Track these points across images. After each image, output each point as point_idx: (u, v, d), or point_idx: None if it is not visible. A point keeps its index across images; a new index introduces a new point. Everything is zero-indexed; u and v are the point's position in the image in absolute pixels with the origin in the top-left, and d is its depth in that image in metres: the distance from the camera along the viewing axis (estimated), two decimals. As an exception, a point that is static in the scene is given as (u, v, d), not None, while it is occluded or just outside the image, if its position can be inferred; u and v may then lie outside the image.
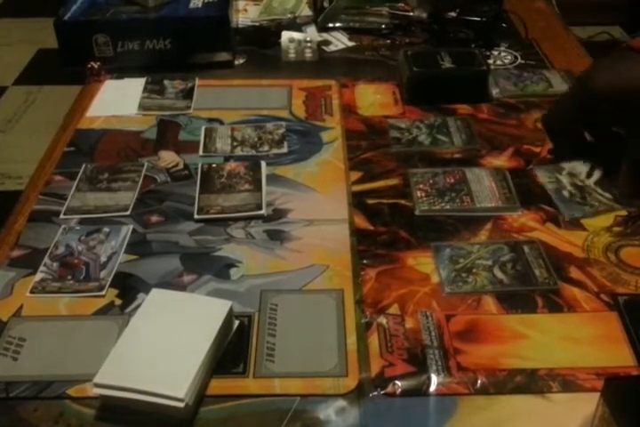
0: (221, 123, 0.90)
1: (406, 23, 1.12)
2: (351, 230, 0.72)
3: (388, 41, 1.10)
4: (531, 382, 0.56)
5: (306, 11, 1.17)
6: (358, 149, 0.84)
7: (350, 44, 1.10)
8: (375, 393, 0.56)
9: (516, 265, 0.67)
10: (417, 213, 0.74)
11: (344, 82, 0.98)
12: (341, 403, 0.55)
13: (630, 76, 0.70)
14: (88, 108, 0.93)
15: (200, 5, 1.02)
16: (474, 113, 0.91)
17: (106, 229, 0.72)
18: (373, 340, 0.60)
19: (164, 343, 0.56)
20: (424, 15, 1.12)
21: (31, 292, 0.65)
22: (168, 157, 0.84)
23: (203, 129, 0.88)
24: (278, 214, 0.74)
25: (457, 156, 0.83)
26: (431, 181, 0.78)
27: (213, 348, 0.56)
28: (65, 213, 0.74)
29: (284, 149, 0.85)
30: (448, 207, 0.74)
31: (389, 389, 0.56)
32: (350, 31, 1.12)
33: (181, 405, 0.52)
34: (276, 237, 0.72)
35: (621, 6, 2.73)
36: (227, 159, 0.83)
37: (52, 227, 0.73)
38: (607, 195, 0.75)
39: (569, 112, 0.77)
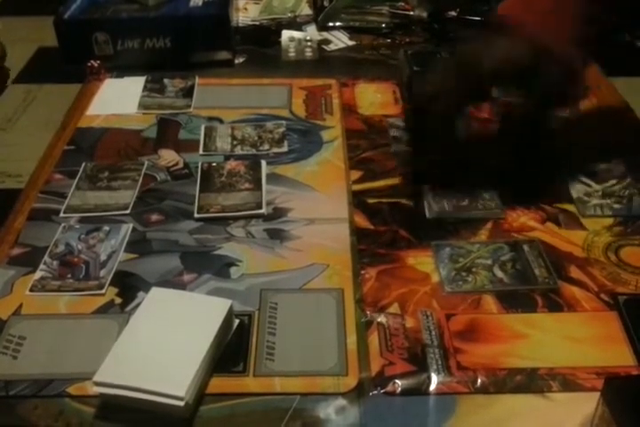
0: (221, 122, 0.90)
1: (407, 22, 1.12)
2: (351, 230, 0.72)
3: (389, 40, 1.10)
4: (531, 382, 0.56)
5: (306, 10, 1.17)
6: (358, 149, 0.84)
7: (350, 43, 1.10)
8: (375, 392, 0.56)
9: (515, 264, 0.67)
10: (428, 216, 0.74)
11: (344, 81, 0.98)
12: (341, 402, 0.55)
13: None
14: (88, 106, 0.93)
15: (200, 4, 1.02)
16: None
17: (106, 228, 0.72)
18: (373, 339, 0.60)
19: (164, 342, 0.56)
20: (424, 14, 1.12)
21: (31, 290, 0.65)
22: (168, 156, 0.84)
23: (203, 128, 0.88)
24: (278, 213, 0.74)
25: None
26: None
27: (213, 346, 0.56)
28: (65, 212, 0.74)
29: (284, 148, 0.85)
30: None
31: (389, 388, 0.56)
32: (350, 30, 1.12)
33: (181, 403, 0.52)
34: (276, 236, 0.71)
35: (622, 6, 2.72)
36: (227, 158, 0.83)
37: (52, 225, 0.73)
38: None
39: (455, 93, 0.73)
